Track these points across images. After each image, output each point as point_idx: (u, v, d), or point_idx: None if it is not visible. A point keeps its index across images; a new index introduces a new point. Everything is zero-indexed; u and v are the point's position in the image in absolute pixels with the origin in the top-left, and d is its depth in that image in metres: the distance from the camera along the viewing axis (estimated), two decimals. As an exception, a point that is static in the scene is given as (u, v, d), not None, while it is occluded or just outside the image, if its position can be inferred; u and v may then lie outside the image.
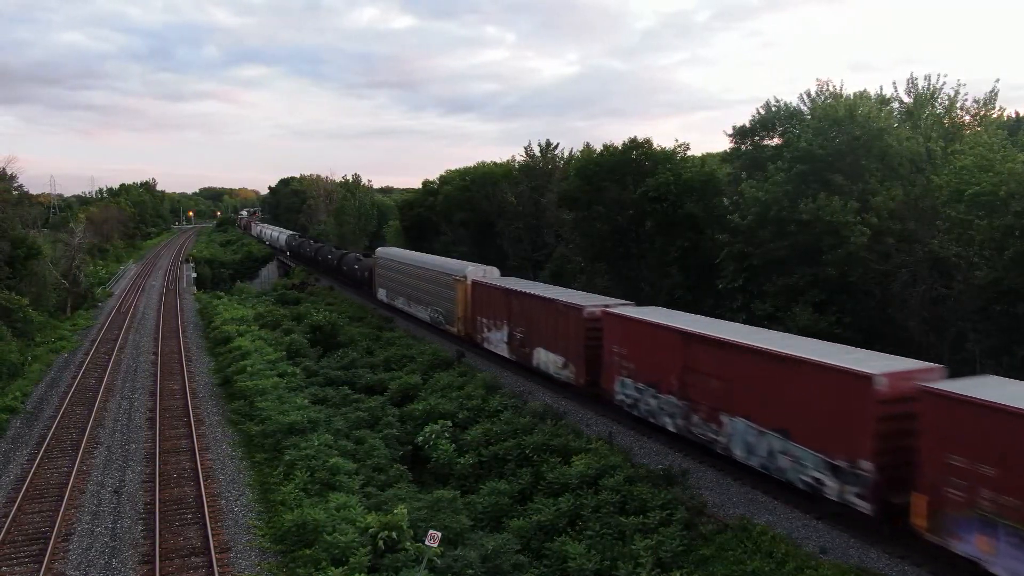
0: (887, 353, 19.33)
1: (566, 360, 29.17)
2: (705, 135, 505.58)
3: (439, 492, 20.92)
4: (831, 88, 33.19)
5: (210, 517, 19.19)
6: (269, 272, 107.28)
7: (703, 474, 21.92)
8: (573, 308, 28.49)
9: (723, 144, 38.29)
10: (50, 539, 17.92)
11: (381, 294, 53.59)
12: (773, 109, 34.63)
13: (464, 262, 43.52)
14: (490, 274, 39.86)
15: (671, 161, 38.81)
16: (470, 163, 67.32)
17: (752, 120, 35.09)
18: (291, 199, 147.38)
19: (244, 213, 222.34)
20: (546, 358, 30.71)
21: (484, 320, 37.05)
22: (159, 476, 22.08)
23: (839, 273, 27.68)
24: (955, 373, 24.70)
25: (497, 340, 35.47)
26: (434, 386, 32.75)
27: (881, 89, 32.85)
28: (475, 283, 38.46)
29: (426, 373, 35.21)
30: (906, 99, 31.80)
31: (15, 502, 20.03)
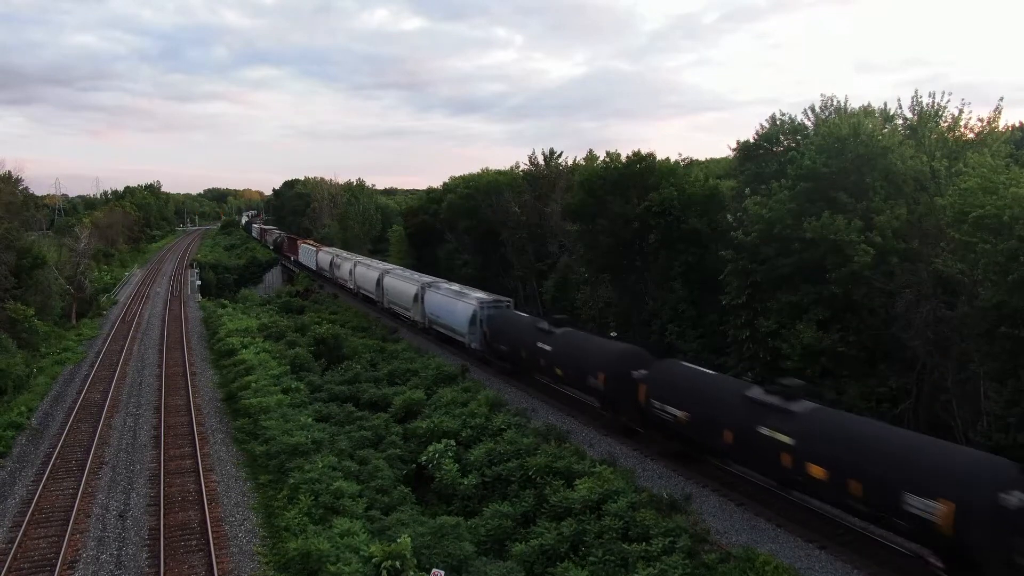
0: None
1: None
2: (712, 136, 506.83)
3: (443, 518, 20.99)
4: (835, 103, 33.12)
5: (214, 544, 19.26)
6: (273, 277, 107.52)
7: (706, 499, 21.91)
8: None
9: (731, 143, 38.18)
10: (56, 566, 18.01)
11: None
12: (778, 123, 34.65)
13: None
14: None
15: (674, 175, 38.74)
16: (476, 164, 67.32)
17: (757, 134, 35.13)
18: (295, 202, 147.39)
19: (247, 215, 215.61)
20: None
21: None
22: (164, 499, 22.15)
23: (843, 291, 27.62)
24: (960, 395, 24.92)
25: None
26: (438, 402, 32.71)
27: (886, 105, 32.69)
28: None
29: (430, 388, 35.22)
30: (909, 115, 31.71)
31: (21, 526, 20.14)
